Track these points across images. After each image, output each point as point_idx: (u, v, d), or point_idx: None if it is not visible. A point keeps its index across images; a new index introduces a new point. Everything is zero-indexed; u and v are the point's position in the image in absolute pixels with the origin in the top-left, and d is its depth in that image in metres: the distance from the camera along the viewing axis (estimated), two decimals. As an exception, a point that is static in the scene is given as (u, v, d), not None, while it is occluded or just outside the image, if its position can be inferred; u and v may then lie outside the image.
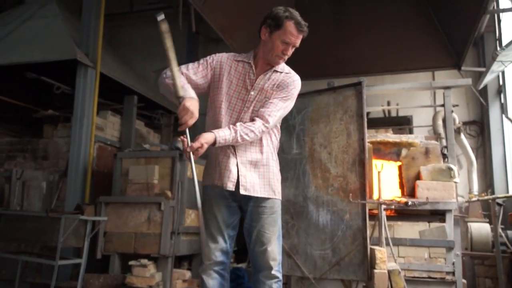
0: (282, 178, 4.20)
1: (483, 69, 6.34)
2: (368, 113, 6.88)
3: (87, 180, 5.10)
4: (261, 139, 2.54)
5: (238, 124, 2.41)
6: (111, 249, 4.54)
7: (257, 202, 2.53)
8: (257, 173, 2.53)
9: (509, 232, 5.17)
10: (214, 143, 2.28)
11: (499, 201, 4.76)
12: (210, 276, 2.53)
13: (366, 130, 3.94)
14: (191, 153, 2.24)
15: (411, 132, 6.44)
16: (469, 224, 5.24)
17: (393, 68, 7.15)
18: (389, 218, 4.19)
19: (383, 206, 3.69)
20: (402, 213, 4.35)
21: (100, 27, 5.50)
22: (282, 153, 4.35)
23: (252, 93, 2.48)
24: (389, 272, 3.55)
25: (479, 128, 7.08)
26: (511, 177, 6.33)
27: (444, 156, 4.45)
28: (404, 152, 4.50)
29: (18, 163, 5.41)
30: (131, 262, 4.28)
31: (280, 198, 2.64)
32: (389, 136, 4.65)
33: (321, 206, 4.03)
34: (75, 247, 4.30)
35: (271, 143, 2.61)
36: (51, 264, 3.83)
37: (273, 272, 2.53)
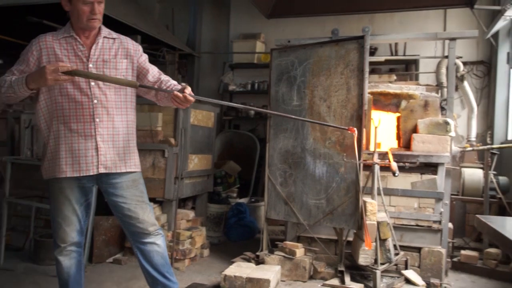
0: (281, 128, 4.41)
1: (497, 7, 6.10)
2: (375, 49, 6.83)
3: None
4: (126, 109, 2.56)
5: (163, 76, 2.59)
6: (119, 192, 4.80)
7: (119, 178, 2.52)
8: (118, 148, 2.51)
9: (500, 178, 5.36)
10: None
11: (494, 150, 4.90)
12: (67, 257, 2.56)
13: (366, 85, 3.97)
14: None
15: (416, 78, 6.38)
16: (462, 169, 5.41)
17: (403, 5, 6.90)
18: (383, 169, 4.35)
19: (377, 166, 3.83)
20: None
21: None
22: (283, 104, 4.43)
23: (91, 65, 2.46)
24: (378, 223, 3.80)
25: (486, 69, 7.00)
26: (511, 120, 6.40)
27: (443, 109, 4.50)
28: (403, 104, 4.54)
29: (26, 104, 5.51)
30: (138, 205, 4.55)
31: (140, 170, 2.64)
32: (390, 86, 4.65)
33: (318, 158, 4.18)
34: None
35: (134, 115, 2.64)
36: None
37: (156, 231, 2.64)
